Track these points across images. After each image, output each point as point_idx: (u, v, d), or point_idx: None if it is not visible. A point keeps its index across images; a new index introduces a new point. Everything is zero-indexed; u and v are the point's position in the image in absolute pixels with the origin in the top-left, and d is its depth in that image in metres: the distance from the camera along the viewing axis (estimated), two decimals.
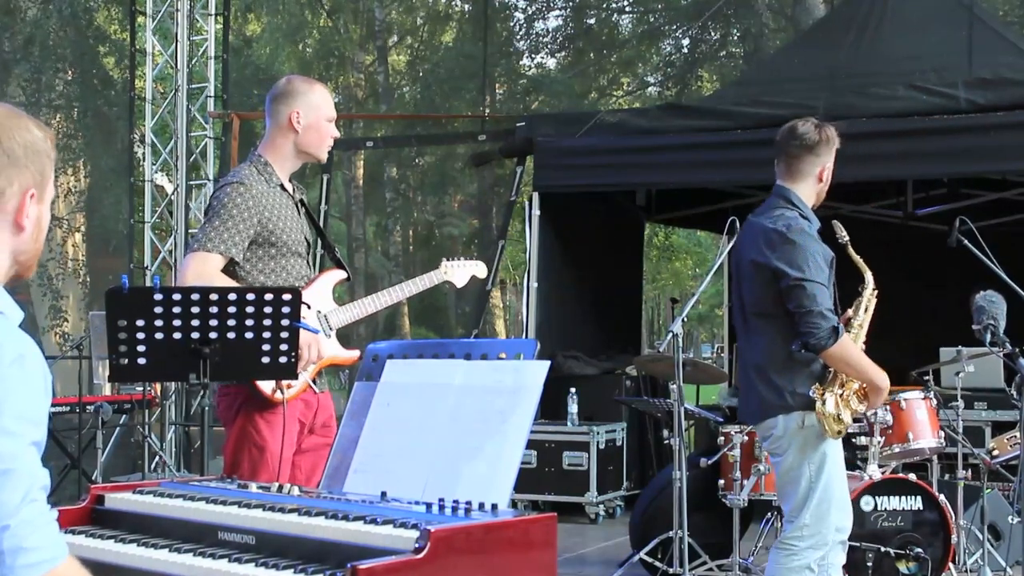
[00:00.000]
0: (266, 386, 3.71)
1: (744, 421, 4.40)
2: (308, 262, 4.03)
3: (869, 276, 4.29)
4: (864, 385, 4.08)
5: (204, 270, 3.71)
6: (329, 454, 3.96)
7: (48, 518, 1.80)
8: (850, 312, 4.27)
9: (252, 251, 3.85)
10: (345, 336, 4.22)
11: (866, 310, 4.27)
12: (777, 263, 3.98)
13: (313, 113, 3.97)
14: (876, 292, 4.29)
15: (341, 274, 4.10)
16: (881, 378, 4.07)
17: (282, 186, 3.97)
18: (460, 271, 4.45)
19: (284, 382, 3.64)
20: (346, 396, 3.27)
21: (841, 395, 4.03)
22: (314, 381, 3.92)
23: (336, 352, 3.99)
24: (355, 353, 4.13)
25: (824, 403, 3.98)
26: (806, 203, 4.14)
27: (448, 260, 4.46)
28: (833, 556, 4.09)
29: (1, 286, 1.93)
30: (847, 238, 4.26)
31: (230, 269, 3.81)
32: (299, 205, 4.04)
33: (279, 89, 4.01)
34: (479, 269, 4.54)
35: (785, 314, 3.98)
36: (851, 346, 4.02)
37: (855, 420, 5.49)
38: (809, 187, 4.16)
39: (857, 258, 4.27)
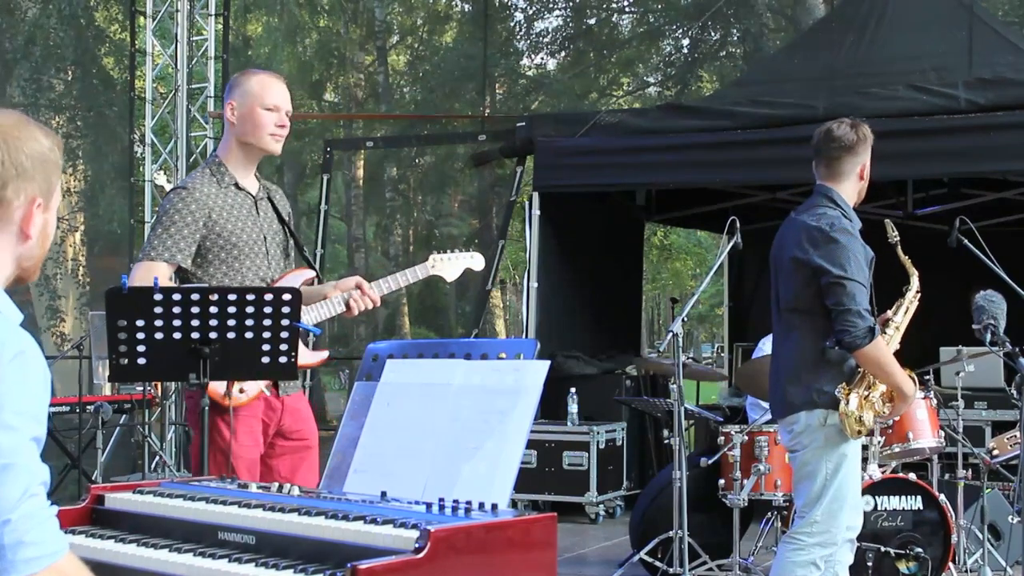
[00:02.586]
0: (217, 391, 3.63)
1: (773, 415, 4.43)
2: (268, 261, 3.93)
3: (915, 278, 4.32)
4: (890, 389, 4.09)
5: (149, 279, 3.61)
6: (308, 455, 3.98)
7: (48, 513, 1.81)
8: (889, 313, 4.29)
9: (202, 255, 3.80)
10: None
11: (906, 312, 4.29)
12: (819, 260, 4.00)
13: (247, 101, 3.85)
14: (919, 295, 4.30)
15: (309, 273, 4.00)
16: (908, 385, 4.09)
17: (236, 185, 3.90)
18: (450, 264, 4.17)
19: (236, 386, 3.63)
20: (346, 396, 3.28)
21: (866, 396, 4.04)
22: (276, 385, 3.85)
23: (303, 355, 3.84)
24: (323, 355, 4.10)
25: (848, 402, 4.00)
26: (848, 202, 4.17)
27: (438, 253, 4.18)
28: (841, 554, 4.11)
29: (1, 289, 1.93)
30: (898, 238, 4.28)
31: (183, 276, 3.78)
32: (258, 203, 3.95)
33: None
34: (474, 261, 4.22)
35: (821, 312, 4.01)
36: (884, 349, 4.04)
37: None
38: (851, 186, 4.19)
39: (905, 259, 4.30)
